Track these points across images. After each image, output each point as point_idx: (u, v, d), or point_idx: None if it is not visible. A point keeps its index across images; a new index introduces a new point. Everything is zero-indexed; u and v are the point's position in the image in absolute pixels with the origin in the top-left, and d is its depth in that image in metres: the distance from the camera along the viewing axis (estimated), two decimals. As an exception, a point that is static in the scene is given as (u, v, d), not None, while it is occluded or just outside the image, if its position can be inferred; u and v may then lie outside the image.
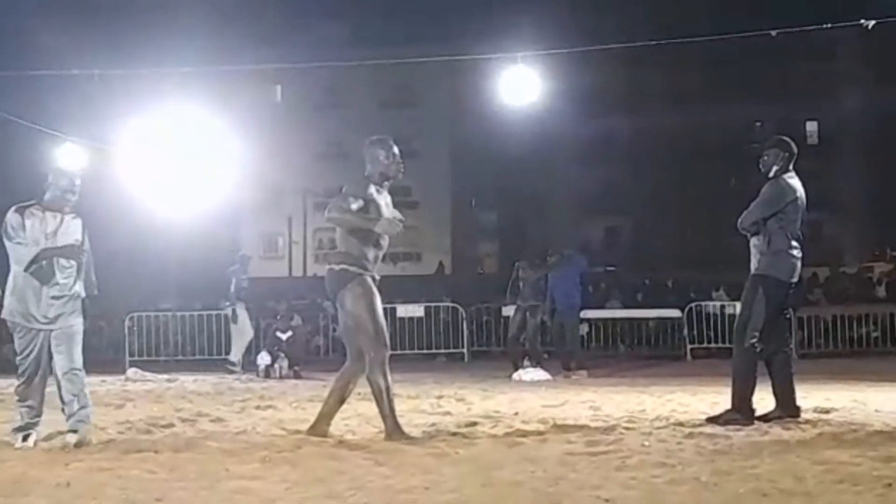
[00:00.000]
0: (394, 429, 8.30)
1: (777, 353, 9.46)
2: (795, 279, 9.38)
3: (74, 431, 8.08)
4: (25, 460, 7.22)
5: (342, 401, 8.65)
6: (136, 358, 21.36)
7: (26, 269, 8.19)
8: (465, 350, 23.15)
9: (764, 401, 9.34)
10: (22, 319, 8.24)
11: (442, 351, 23.20)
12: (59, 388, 8.16)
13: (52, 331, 8.21)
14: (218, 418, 10.13)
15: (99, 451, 7.64)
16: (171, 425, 9.48)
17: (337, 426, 8.99)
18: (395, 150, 8.70)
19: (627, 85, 51.65)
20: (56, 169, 9.11)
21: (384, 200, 8.61)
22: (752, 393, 9.13)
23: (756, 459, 6.92)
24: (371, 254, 8.48)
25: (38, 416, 8.25)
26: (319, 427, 8.50)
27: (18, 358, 8.26)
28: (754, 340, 9.17)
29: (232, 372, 18.24)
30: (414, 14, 49.34)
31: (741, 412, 8.99)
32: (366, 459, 7.04)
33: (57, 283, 8.24)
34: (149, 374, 17.79)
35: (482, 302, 23.77)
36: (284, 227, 52.22)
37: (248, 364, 18.66)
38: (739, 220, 9.36)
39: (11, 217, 8.26)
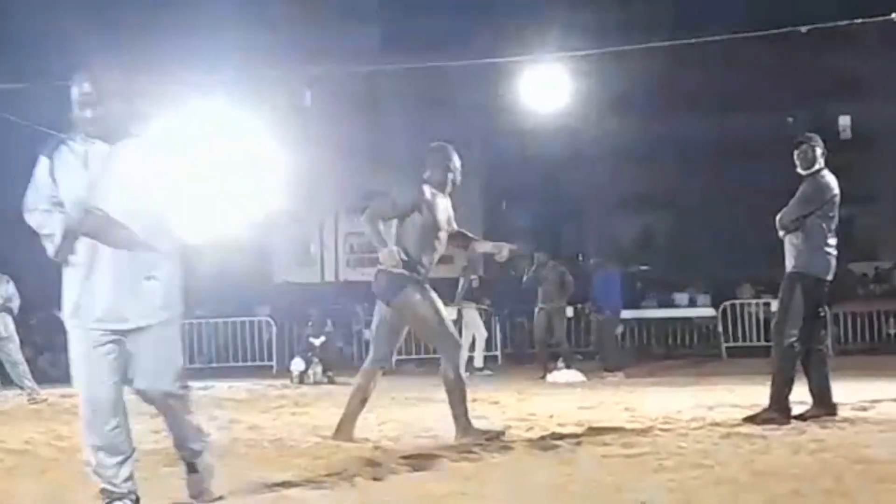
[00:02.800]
0: (466, 429, 8.36)
1: (813, 351, 9.40)
2: (831, 276, 9.33)
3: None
4: (64, 471, 7.24)
5: (364, 401, 8.65)
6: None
7: (56, 255, 5.41)
8: (498, 352, 23.12)
9: (801, 399, 9.28)
10: (74, 318, 5.44)
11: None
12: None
13: (126, 334, 5.43)
14: (253, 425, 10.15)
15: (135, 461, 7.65)
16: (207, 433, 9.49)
17: (373, 431, 9.01)
18: (455, 160, 8.81)
19: (660, 83, 51.41)
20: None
21: (443, 205, 8.70)
22: (789, 392, 9.07)
23: (794, 459, 6.88)
24: (426, 259, 8.53)
25: (126, 484, 5.63)
26: (345, 430, 8.52)
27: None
28: (793, 339, 9.11)
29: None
30: (445, 16, 49.33)
31: (778, 411, 8.93)
32: (402, 465, 7.03)
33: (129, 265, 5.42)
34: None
35: (515, 304, 23.68)
36: (316, 232, 52.27)
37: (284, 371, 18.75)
38: (779, 217, 9.31)
39: (38, 168, 5.45)
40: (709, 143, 51.73)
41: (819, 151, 9.37)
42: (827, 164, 9.41)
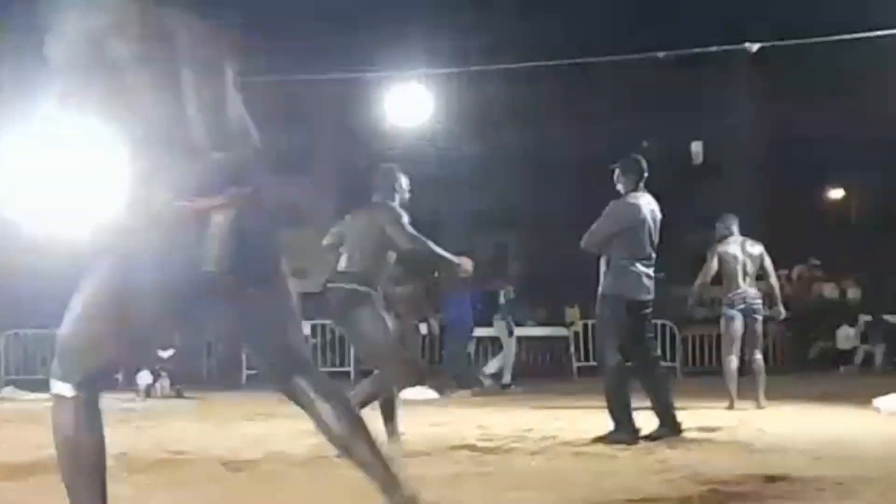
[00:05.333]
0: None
1: (649, 372, 9.49)
2: (645, 297, 9.40)
3: None
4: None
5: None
6: (13, 376, 20.83)
7: None
8: (351, 368, 22.96)
9: (650, 420, 9.36)
10: None
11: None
12: None
13: None
14: (96, 439, 9.85)
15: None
16: (46, 447, 9.19)
17: (220, 448, 8.84)
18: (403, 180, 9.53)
19: (520, 103, 51.92)
20: None
21: None
22: (628, 411, 9.11)
23: (640, 480, 6.90)
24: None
25: None
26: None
27: None
28: (617, 360, 9.18)
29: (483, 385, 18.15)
30: (303, 28, 49.07)
31: (626, 432, 8.98)
32: (249, 482, 6.89)
33: None
34: (27, 394, 17.34)
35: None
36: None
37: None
38: (584, 238, 9.47)
39: None
40: (570, 164, 52.32)
41: (628, 175, 9.57)
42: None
